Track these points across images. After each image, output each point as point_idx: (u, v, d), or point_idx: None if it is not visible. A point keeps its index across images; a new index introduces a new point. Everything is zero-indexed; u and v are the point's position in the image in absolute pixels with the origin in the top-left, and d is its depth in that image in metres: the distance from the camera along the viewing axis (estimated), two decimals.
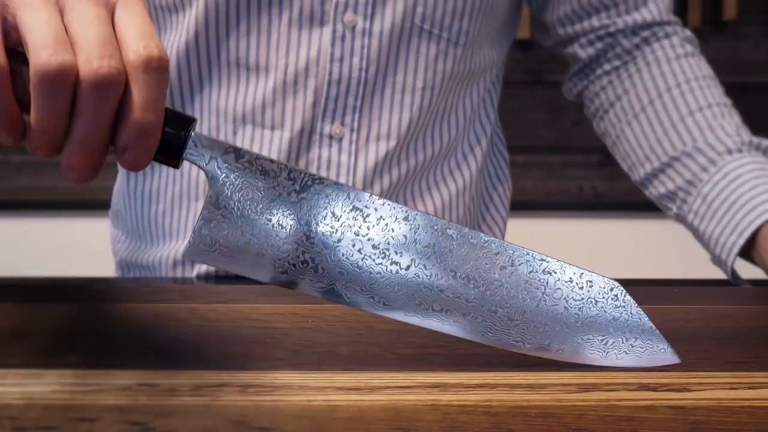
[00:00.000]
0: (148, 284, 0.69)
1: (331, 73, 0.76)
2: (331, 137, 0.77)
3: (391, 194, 0.80)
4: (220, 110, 0.78)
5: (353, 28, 0.76)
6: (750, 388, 0.47)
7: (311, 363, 0.49)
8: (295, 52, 0.76)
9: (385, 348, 0.52)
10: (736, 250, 0.77)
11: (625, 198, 1.96)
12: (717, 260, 0.81)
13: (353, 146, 0.78)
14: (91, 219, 1.76)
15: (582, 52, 0.90)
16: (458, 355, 0.50)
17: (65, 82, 0.42)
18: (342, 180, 0.78)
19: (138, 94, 0.43)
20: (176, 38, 0.78)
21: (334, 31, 0.76)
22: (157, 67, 0.43)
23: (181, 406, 0.43)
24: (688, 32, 0.89)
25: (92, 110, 0.43)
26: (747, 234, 0.76)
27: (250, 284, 0.66)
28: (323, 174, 0.77)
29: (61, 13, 0.44)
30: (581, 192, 1.99)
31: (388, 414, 0.43)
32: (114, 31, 0.44)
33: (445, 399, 0.45)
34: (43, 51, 0.42)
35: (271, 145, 0.77)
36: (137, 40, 0.44)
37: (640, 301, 0.57)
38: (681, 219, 0.85)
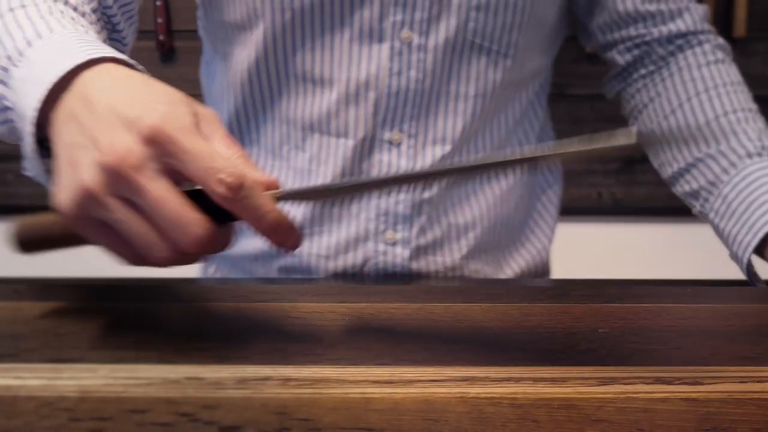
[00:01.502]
0: (195, 285, 0.69)
1: (389, 85, 0.80)
2: (390, 143, 0.81)
3: (446, 193, 0.84)
4: (289, 119, 0.83)
5: (410, 44, 0.79)
6: (758, 382, 0.48)
7: (348, 358, 0.50)
8: (356, 67, 0.80)
9: (417, 343, 0.53)
10: (750, 248, 0.79)
11: (642, 204, 1.97)
12: (734, 257, 0.83)
13: (411, 150, 0.82)
14: None
15: (620, 57, 0.92)
16: (486, 350, 0.51)
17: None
18: None
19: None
20: (247, 53, 0.82)
21: (392, 47, 0.79)
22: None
23: (226, 398, 0.45)
24: (720, 40, 0.91)
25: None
26: (761, 234, 0.78)
27: (291, 285, 0.67)
28: None
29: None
30: (600, 198, 2.00)
31: (420, 406, 0.44)
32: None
33: (474, 391, 0.46)
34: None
35: (337, 150, 0.82)
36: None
37: (656, 300, 0.59)
38: (703, 216, 0.87)
